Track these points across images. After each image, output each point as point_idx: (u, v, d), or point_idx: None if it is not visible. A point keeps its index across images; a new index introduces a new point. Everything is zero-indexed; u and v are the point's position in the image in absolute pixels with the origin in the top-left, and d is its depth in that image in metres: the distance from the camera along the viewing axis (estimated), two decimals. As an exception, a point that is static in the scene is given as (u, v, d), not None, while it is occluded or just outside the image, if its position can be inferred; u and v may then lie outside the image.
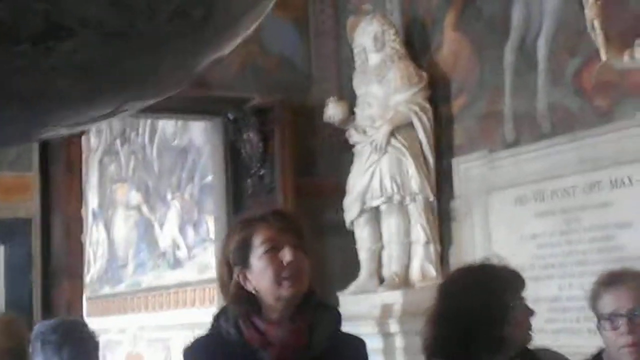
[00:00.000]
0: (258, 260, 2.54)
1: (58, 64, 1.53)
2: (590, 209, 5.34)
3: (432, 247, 6.26)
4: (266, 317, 2.54)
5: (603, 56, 4.76)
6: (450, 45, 6.32)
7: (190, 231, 9.91)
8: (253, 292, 2.55)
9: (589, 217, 5.36)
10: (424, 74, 6.33)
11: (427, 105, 6.28)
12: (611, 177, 5.23)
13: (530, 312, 2.90)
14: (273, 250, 2.53)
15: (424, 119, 6.26)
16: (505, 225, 5.86)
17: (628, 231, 5.13)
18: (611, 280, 2.78)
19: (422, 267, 6.25)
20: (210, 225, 8.89)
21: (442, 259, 6.27)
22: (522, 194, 5.77)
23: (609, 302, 2.74)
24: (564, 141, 5.48)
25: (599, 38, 4.75)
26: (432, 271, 6.23)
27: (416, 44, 6.50)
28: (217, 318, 2.58)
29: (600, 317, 2.78)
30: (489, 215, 5.98)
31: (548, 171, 5.57)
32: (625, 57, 4.74)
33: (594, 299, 2.82)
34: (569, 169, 5.45)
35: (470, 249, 6.02)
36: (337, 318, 2.69)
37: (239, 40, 1.78)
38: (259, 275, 2.54)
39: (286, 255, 2.52)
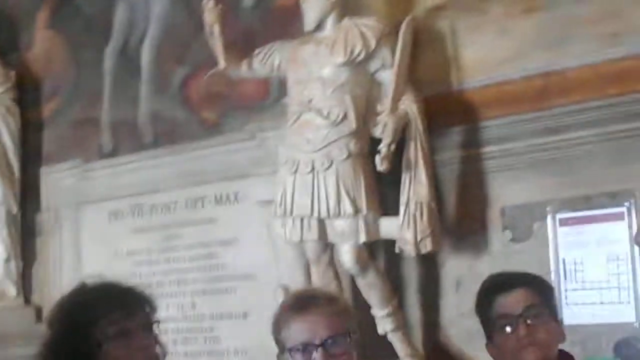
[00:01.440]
0: None
1: None
2: (193, 225, 4.86)
3: (12, 264, 5.41)
4: None
5: (221, 64, 4.27)
6: (42, 44, 5.53)
7: None
8: None
9: (190, 233, 4.87)
10: (12, 73, 5.49)
11: (14, 108, 5.43)
12: (216, 193, 4.78)
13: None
14: None
15: (10, 122, 5.43)
16: (98, 241, 5.19)
17: (231, 249, 4.71)
18: (302, 304, 2.24)
19: (1, 285, 5.35)
20: None
21: (25, 277, 5.42)
22: (118, 207, 5.14)
23: (300, 331, 2.20)
24: (166, 153, 4.96)
25: (217, 45, 4.25)
26: (12, 290, 5.41)
27: (3, 40, 5.60)
28: None
29: (288, 350, 2.22)
30: (80, 230, 5.28)
31: (148, 184, 5.01)
32: (244, 67, 4.30)
33: (279, 325, 2.26)
34: (171, 183, 4.93)
35: (58, 266, 5.27)
36: None
37: None
38: None
39: None
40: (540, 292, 2.38)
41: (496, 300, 2.36)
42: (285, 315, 2.26)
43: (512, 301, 2.33)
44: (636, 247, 3.36)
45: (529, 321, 2.30)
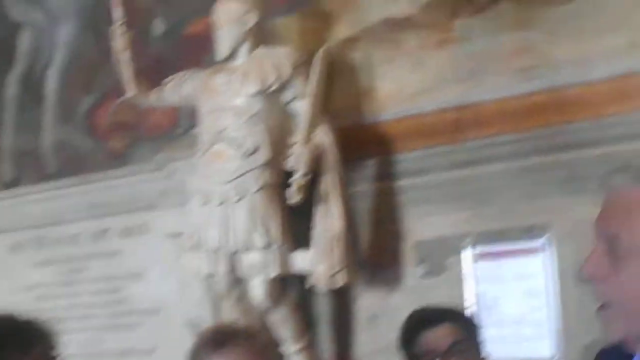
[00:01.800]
0: None
1: None
2: (98, 258, 4.64)
3: None
4: None
5: (130, 92, 4.07)
6: (-58, 69, 5.22)
7: None
8: None
9: (95, 267, 4.66)
10: None
11: None
12: (122, 225, 4.58)
13: None
14: None
15: None
16: (-2, 275, 4.89)
17: (138, 282, 4.52)
18: (220, 339, 2.06)
19: None
20: None
21: None
22: (19, 240, 4.91)
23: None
24: (71, 184, 4.76)
25: (127, 72, 4.05)
26: None
27: None
28: None
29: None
30: (-26, 264, 4.96)
31: (51, 216, 4.79)
32: (153, 95, 4.11)
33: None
34: (75, 214, 4.73)
35: (-45, 301, 4.93)
36: None
37: None
38: None
39: None
40: (467, 328, 2.27)
41: (421, 335, 2.23)
42: (203, 352, 2.08)
43: (439, 337, 2.20)
44: (553, 282, 3.29)
45: (454, 358, 2.17)
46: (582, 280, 1.31)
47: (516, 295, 3.42)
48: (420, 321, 2.28)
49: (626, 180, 3.06)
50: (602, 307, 1.31)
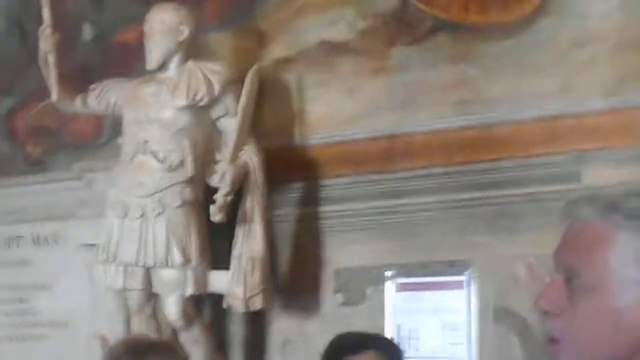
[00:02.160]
0: None
1: None
2: (6, 266, 4.45)
3: None
4: None
5: (53, 96, 3.92)
6: None
7: None
8: None
9: (2, 275, 4.45)
10: None
11: None
12: (34, 233, 4.40)
13: None
14: None
15: None
16: None
17: (46, 294, 4.34)
18: (139, 350, 1.96)
19: None
20: None
21: None
22: None
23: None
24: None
25: (51, 75, 3.90)
26: None
27: None
28: None
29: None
30: None
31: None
32: (77, 102, 3.96)
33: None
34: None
35: None
36: None
37: None
38: None
39: None
40: (390, 355, 2.20)
41: None
42: (121, 360, 1.97)
43: None
44: (473, 317, 3.26)
45: None
46: (536, 311, 1.24)
47: (435, 329, 3.38)
48: (344, 347, 2.21)
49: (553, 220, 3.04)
50: (551, 342, 1.25)
